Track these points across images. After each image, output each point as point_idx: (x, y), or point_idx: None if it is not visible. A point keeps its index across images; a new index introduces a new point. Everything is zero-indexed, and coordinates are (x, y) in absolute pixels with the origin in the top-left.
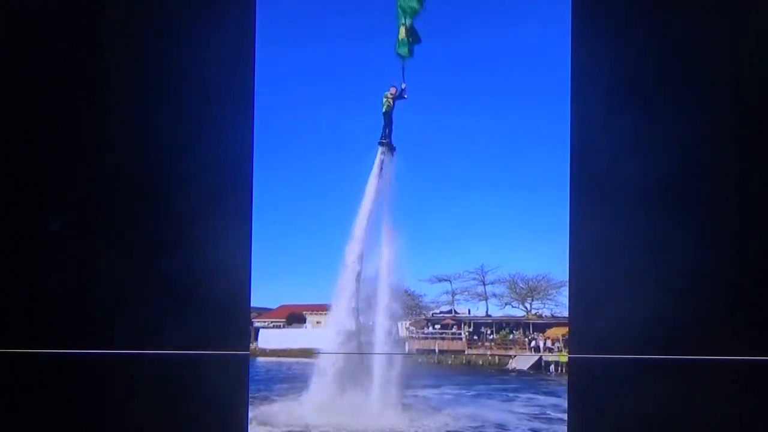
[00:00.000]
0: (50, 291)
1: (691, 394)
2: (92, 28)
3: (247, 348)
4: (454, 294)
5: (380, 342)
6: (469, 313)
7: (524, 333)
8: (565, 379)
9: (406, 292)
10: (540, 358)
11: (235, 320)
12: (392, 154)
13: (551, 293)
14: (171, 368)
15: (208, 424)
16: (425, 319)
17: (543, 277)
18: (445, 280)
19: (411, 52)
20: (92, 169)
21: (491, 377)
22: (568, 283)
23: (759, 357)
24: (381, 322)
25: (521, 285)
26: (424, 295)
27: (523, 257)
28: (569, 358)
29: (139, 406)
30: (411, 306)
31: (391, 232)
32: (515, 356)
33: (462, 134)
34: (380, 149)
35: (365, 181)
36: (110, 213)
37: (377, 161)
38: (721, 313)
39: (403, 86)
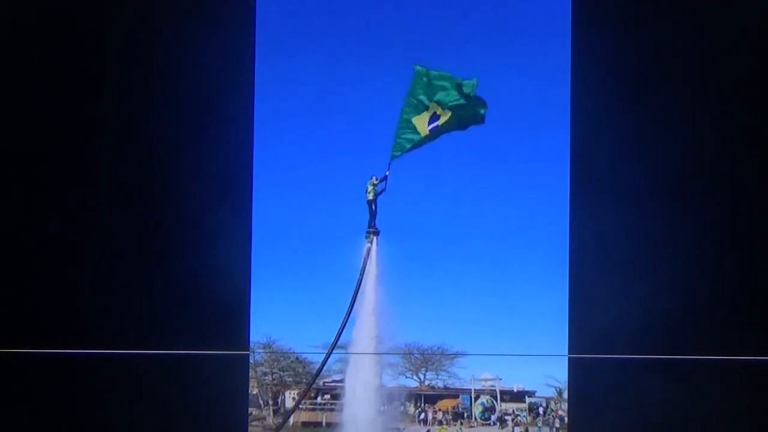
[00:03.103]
0: (51, 291)
1: (691, 394)
2: (93, 28)
3: (247, 348)
4: (348, 362)
5: None
6: None
7: (416, 404)
8: None
9: (297, 359)
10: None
11: (235, 320)
12: (377, 239)
13: (445, 364)
14: (171, 368)
15: (208, 424)
16: (315, 389)
17: (438, 347)
18: (339, 347)
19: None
20: (92, 170)
21: None
22: (572, 289)
23: (759, 357)
24: None
25: (416, 355)
26: (315, 362)
27: (420, 326)
28: (569, 358)
29: (140, 406)
30: (300, 374)
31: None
32: (403, 429)
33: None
34: (371, 238)
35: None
36: (111, 213)
37: (370, 252)
38: (721, 313)
39: (386, 174)
